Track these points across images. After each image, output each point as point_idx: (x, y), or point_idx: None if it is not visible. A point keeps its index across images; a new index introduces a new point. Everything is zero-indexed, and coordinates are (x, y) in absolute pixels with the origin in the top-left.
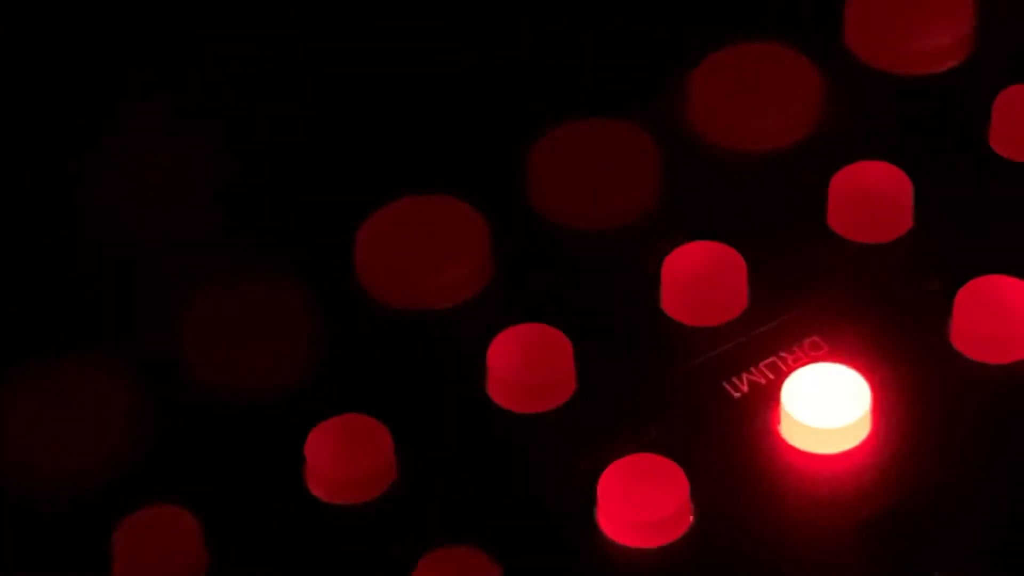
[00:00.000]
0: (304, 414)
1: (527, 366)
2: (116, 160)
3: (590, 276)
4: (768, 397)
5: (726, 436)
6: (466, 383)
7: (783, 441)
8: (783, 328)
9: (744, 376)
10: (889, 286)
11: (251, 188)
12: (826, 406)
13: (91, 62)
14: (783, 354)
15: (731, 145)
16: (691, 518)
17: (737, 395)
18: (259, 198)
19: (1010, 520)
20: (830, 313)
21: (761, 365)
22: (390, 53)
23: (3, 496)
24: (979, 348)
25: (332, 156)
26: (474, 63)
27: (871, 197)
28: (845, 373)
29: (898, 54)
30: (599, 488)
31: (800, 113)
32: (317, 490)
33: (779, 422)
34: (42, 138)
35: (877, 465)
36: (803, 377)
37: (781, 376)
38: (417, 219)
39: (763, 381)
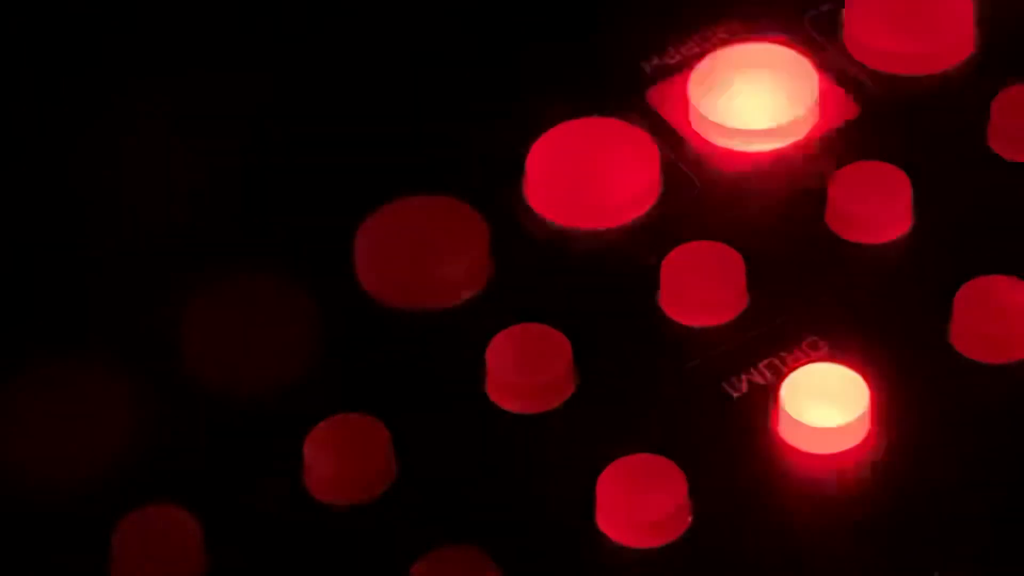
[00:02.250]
0: (304, 414)
1: (527, 366)
2: (115, 159)
3: (590, 276)
4: (767, 397)
5: (725, 436)
6: (466, 383)
7: (782, 441)
8: (782, 328)
9: (743, 376)
10: (889, 286)
11: (251, 188)
12: (825, 406)
13: (90, 61)
14: (782, 354)
15: (731, 145)
16: (690, 518)
17: (736, 395)
18: (259, 198)
19: (1010, 520)
20: (830, 313)
21: (760, 365)
22: (389, 51)
23: (2, 496)
24: (979, 348)
25: (333, 156)
26: (473, 62)
27: (871, 197)
28: (844, 373)
29: (898, 54)
30: (599, 488)
31: (800, 113)
32: (317, 490)
33: (778, 422)
34: (41, 137)
35: (877, 465)
36: (802, 377)
37: (780, 376)
38: (417, 219)
39: (762, 381)
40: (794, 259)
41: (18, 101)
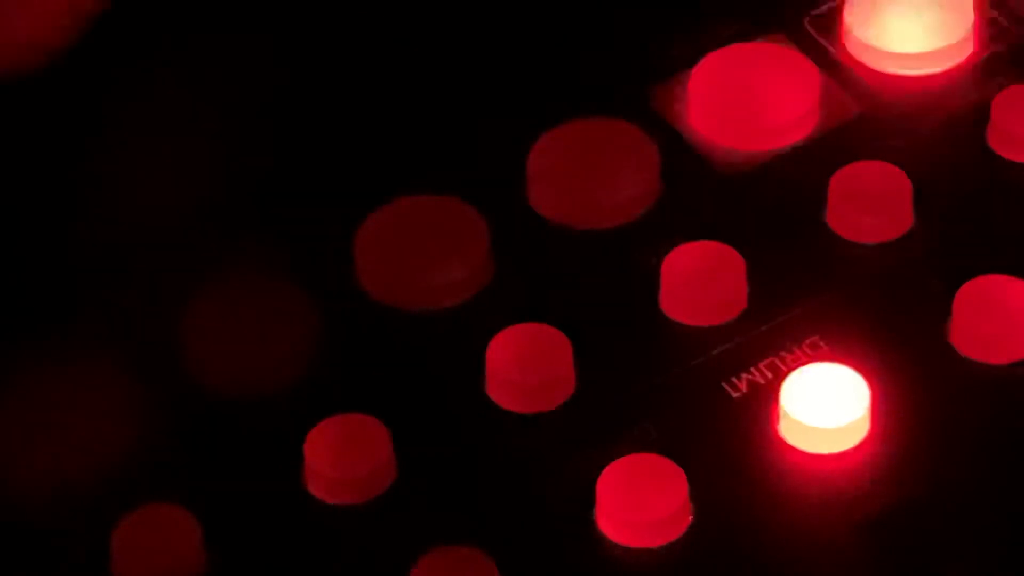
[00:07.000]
0: (304, 414)
1: (527, 366)
2: (115, 159)
3: (590, 276)
4: (767, 397)
5: (725, 436)
6: (466, 383)
7: (782, 441)
8: (782, 328)
9: (743, 376)
10: (889, 286)
11: (250, 188)
12: (825, 406)
13: (89, 60)
14: (782, 354)
15: (730, 145)
16: (691, 518)
17: (736, 395)
18: (258, 198)
19: (1010, 520)
20: (830, 313)
21: (760, 365)
22: (390, 51)
23: (2, 496)
24: (979, 348)
25: (332, 155)
26: (473, 62)
27: (871, 197)
28: (844, 373)
29: (898, 54)
30: (599, 487)
31: (799, 113)
32: (317, 490)
33: (778, 422)
34: (42, 137)
35: (877, 465)
36: (802, 377)
37: (780, 376)
38: (417, 219)
39: (762, 381)
40: (794, 259)
41: (15, 98)
